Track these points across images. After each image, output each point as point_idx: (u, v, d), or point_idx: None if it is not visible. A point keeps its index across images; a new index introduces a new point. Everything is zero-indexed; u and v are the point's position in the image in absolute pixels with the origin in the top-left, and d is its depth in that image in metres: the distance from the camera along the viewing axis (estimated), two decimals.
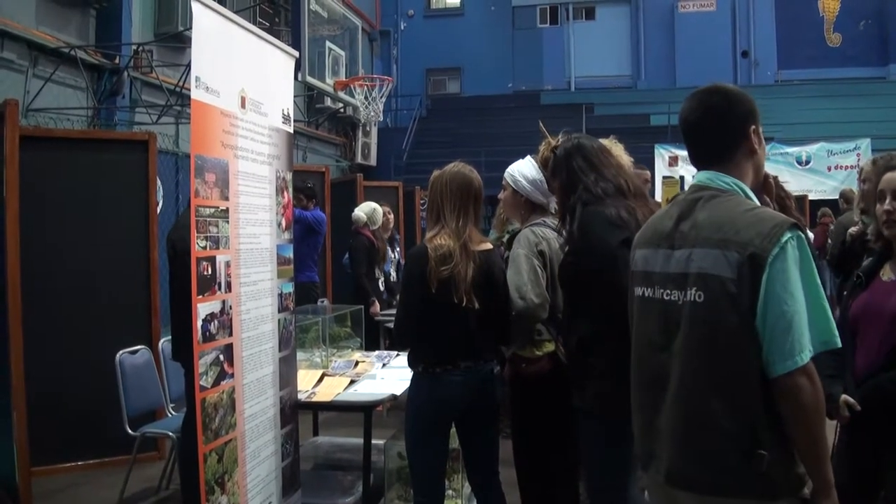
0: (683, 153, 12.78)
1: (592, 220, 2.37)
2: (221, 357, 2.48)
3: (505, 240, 3.75)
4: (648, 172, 5.33)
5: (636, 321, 1.80)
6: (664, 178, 12.03)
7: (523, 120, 14.96)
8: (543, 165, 2.92)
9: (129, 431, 3.90)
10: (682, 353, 1.65)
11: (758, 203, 1.73)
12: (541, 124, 3.02)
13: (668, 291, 1.69)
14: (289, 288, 3.05)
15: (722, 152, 1.75)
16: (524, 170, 2.96)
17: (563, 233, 2.57)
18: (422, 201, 10.12)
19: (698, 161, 1.79)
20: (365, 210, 6.22)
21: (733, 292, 1.58)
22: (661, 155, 12.93)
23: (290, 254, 3.05)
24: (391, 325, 4.69)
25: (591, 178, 2.47)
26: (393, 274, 6.69)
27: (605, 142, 2.70)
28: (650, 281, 1.75)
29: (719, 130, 1.74)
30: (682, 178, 12.53)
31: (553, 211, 2.98)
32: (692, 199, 1.75)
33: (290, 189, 3.09)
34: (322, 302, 6.54)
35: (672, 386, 1.66)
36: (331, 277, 7.66)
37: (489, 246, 2.81)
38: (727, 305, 1.59)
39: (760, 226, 1.60)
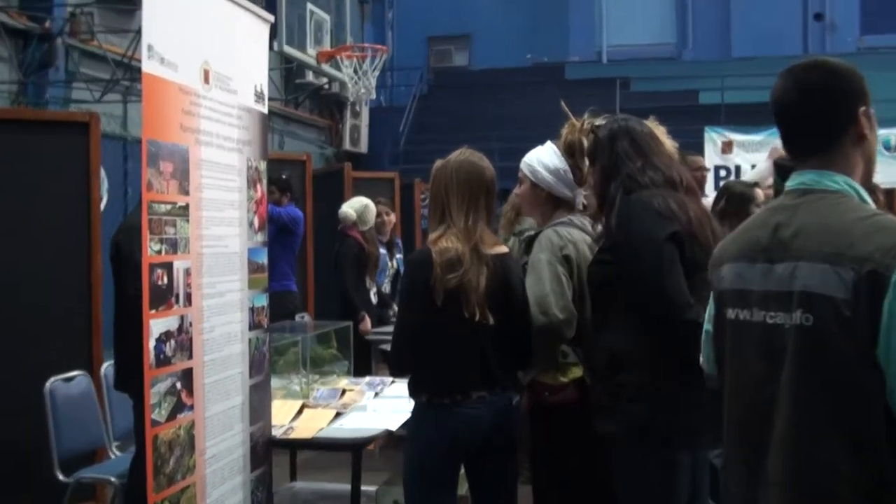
0: (739, 138, 12.84)
1: (635, 209, 2.41)
2: (178, 385, 2.48)
3: (515, 241, 3.76)
4: (703, 159, 5.34)
5: (730, 348, 1.80)
6: (716, 167, 12.07)
7: (544, 98, 14.90)
8: (567, 153, 2.94)
9: (61, 477, 3.87)
10: (791, 385, 1.65)
11: (874, 207, 1.72)
12: (563, 103, 3.03)
13: (772, 313, 1.69)
14: (262, 301, 3.05)
15: (826, 140, 1.74)
16: (545, 158, 2.97)
17: (600, 227, 2.58)
18: (423, 196, 10.14)
19: (797, 152, 1.79)
20: (355, 207, 6.23)
21: (847, 316, 1.58)
22: (712, 140, 12.94)
23: (263, 259, 3.07)
24: (386, 346, 4.68)
25: (637, 164, 2.50)
26: (387, 285, 6.70)
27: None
28: (746, 301, 1.75)
29: (822, 114, 1.73)
30: (737, 167, 12.58)
31: (581, 207, 2.99)
32: (794, 204, 1.74)
33: (265, 181, 3.10)
34: (302, 317, 6.55)
35: (780, 424, 1.67)
36: (312, 288, 7.68)
37: (505, 249, 2.82)
38: (840, 332, 1.59)
39: (882, 237, 1.59)
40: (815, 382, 1.62)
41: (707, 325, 1.91)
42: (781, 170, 3.15)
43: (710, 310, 1.89)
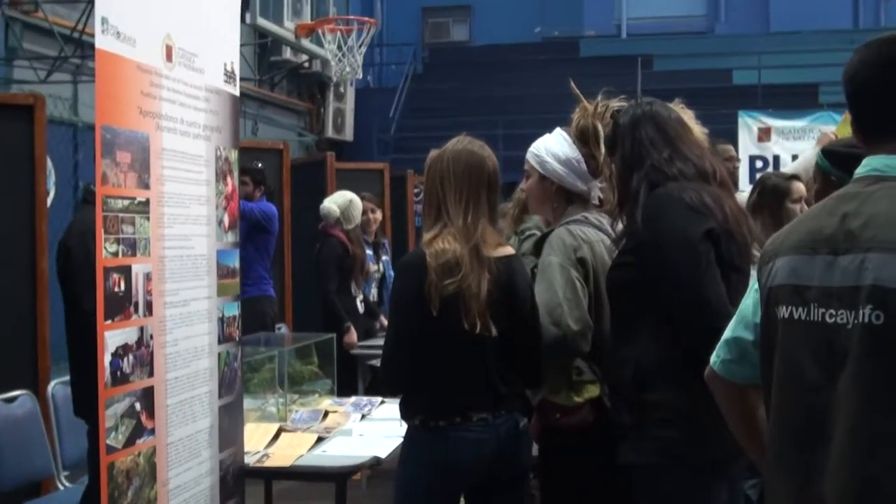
0: (779, 124, 12.85)
1: (664, 204, 2.41)
2: (137, 406, 2.48)
3: (516, 240, 3.76)
4: (732, 149, 5.35)
5: (780, 351, 1.81)
6: (751, 157, 12.09)
7: (555, 78, 14.91)
8: (580, 140, 2.95)
9: None
10: (854, 393, 1.65)
11: None
12: (572, 84, 3.04)
13: (832, 311, 1.70)
14: (233, 310, 3.06)
15: None
16: (554, 147, 2.97)
17: (620, 224, 2.59)
18: (416, 190, 10.15)
19: (871, 135, 1.80)
20: (338, 202, 6.24)
21: None
22: (748, 126, 12.95)
23: (235, 262, 3.08)
24: (375, 361, 4.68)
25: (664, 154, 2.51)
26: (374, 292, 6.70)
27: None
28: (803, 298, 1.75)
29: None
30: (776, 157, 12.60)
31: (596, 202, 2.99)
32: (865, 192, 1.75)
33: (236, 173, 3.11)
34: (279, 329, 6.55)
35: (839, 438, 1.66)
36: (290, 295, 7.69)
37: (510, 250, 2.83)
38: None
39: None
40: (883, 391, 1.62)
41: (738, 331, 1.90)
42: (833, 157, 3.14)
43: (747, 309, 1.90)
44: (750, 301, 1.91)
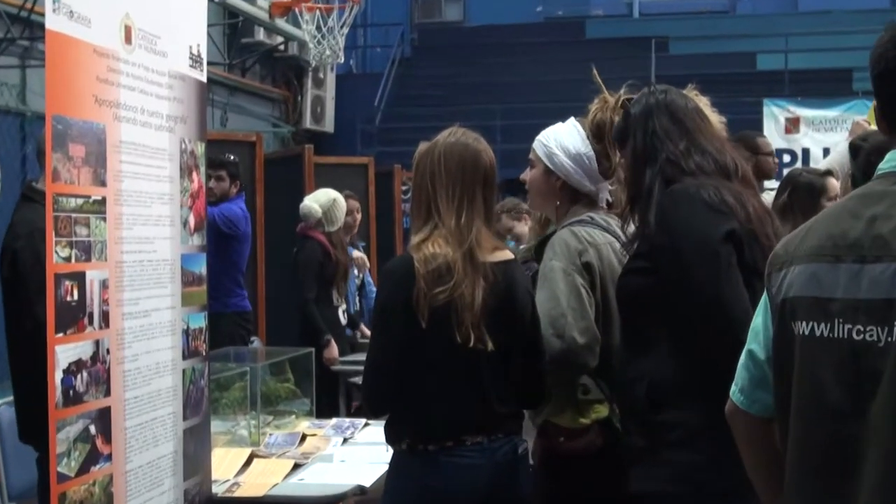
0: (808, 113, 12.90)
1: (680, 202, 2.41)
2: (93, 429, 2.47)
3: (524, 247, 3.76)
4: (767, 140, 5.30)
5: (799, 372, 1.78)
6: (778, 150, 12.11)
7: (560, 63, 15.01)
8: (595, 135, 2.95)
9: None
10: (888, 420, 1.64)
11: None
12: (594, 71, 3.05)
13: (860, 327, 1.67)
14: (200, 321, 3.06)
15: None
16: (565, 139, 2.98)
17: (631, 226, 2.59)
18: (405, 188, 10.16)
19: None
20: (321, 201, 6.25)
21: None
22: (774, 116, 13.01)
23: (201, 268, 3.07)
24: (358, 379, 4.67)
25: (680, 146, 2.51)
26: (356, 301, 6.70)
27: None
28: (826, 312, 1.72)
29: None
30: (805, 151, 12.64)
31: (604, 205, 3.00)
32: (894, 191, 1.74)
33: (203, 168, 3.11)
34: (252, 342, 6.53)
35: (871, 472, 1.64)
36: (263, 305, 7.68)
37: (508, 255, 2.83)
38: None
39: None
40: None
41: (752, 345, 1.90)
42: (857, 152, 3.16)
43: (760, 324, 1.88)
44: (760, 319, 1.89)
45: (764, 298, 1.87)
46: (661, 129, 2.54)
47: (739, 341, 1.99)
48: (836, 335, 1.70)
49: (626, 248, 2.65)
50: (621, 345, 2.63)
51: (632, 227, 2.61)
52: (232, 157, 6.51)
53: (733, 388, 1.93)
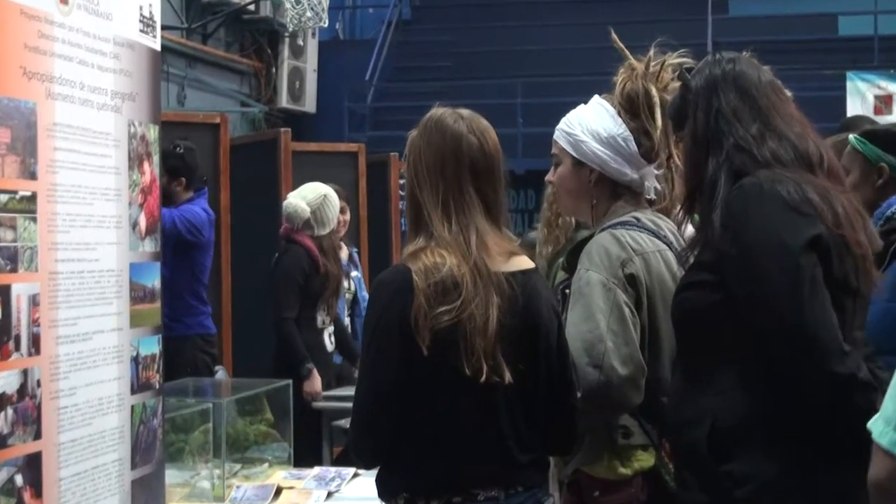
0: None
1: (753, 200, 2.39)
2: (19, 479, 2.46)
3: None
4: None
5: None
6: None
7: (596, 27, 14.87)
8: (627, 110, 2.99)
9: None
10: None
11: None
12: (613, 34, 3.05)
13: None
14: (153, 346, 3.06)
15: None
16: (592, 121, 2.99)
17: (689, 228, 2.61)
18: (402, 181, 10.14)
19: None
20: (309, 199, 6.27)
21: None
22: (860, 92, 12.99)
23: (154, 281, 3.08)
24: (346, 420, 4.67)
25: (751, 129, 2.50)
26: (346, 321, 6.69)
27: None
28: None
29: None
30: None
31: (652, 195, 3.02)
32: None
33: (156, 157, 3.11)
34: (216, 372, 6.53)
35: None
36: (229, 325, 7.66)
37: (527, 262, 2.81)
38: None
39: None
40: None
41: None
42: (881, 140, 3.25)
43: None
44: None
45: None
46: (729, 108, 2.52)
47: (825, 376, 1.99)
48: None
49: (681, 257, 2.65)
50: (675, 377, 2.62)
51: (689, 231, 2.60)
52: (179, 149, 6.30)
53: (878, 425, 1.91)
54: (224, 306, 7.58)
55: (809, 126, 2.63)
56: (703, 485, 2.42)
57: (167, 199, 6.02)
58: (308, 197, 6.27)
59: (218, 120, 7.99)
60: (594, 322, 2.74)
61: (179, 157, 6.29)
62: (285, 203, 6.29)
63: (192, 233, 6.18)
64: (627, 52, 3.00)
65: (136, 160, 3.00)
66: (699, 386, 2.46)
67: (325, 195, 6.29)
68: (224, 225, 7.43)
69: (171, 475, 3.59)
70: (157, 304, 3.09)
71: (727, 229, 2.41)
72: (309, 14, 9.68)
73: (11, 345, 2.44)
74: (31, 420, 2.51)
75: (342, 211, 6.74)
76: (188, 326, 6.10)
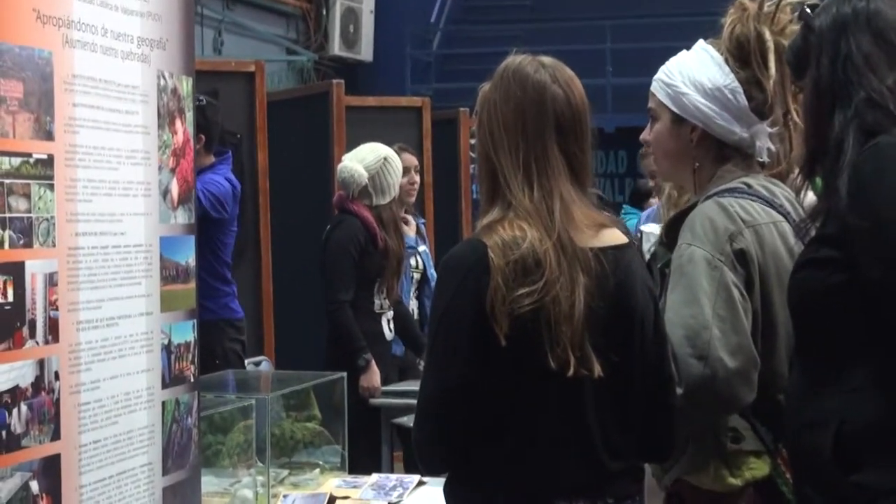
0: None
1: (888, 163, 2.35)
2: (35, 486, 2.48)
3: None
4: None
5: None
6: None
7: None
8: (737, 58, 2.99)
9: None
10: None
11: None
12: None
13: None
14: (188, 333, 3.08)
15: None
16: (695, 70, 3.00)
17: (810, 195, 2.59)
18: (474, 140, 10.12)
19: None
20: (367, 161, 6.27)
21: None
22: None
23: (188, 258, 3.09)
24: (408, 419, 4.68)
25: (888, 81, 2.45)
26: (413, 304, 6.69)
27: None
28: None
29: None
30: None
31: (765, 158, 3.01)
32: None
33: (190, 114, 3.13)
34: (257, 364, 6.55)
35: None
36: (272, 311, 7.68)
37: (619, 237, 2.79)
38: None
39: None
40: None
41: None
42: None
43: None
44: None
45: None
46: (860, 54, 2.47)
47: None
48: None
49: (800, 229, 2.61)
50: (794, 371, 2.59)
51: (810, 199, 2.57)
52: (200, 100, 6.13)
53: None
54: (265, 288, 7.53)
55: None
56: (829, 498, 2.39)
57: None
58: (367, 160, 6.24)
59: (252, 68, 7.74)
60: (698, 306, 2.74)
61: (200, 111, 6.17)
62: (340, 167, 6.29)
63: (216, 209, 6.10)
64: None
65: (166, 118, 3.01)
66: (823, 382, 2.43)
67: (385, 157, 6.27)
68: (262, 191, 7.35)
69: (208, 482, 3.61)
70: (192, 285, 3.10)
71: (856, 198, 2.36)
72: None
73: (25, 331, 2.46)
74: (47, 418, 2.52)
75: (413, 170, 6.72)
76: (212, 311, 5.93)
